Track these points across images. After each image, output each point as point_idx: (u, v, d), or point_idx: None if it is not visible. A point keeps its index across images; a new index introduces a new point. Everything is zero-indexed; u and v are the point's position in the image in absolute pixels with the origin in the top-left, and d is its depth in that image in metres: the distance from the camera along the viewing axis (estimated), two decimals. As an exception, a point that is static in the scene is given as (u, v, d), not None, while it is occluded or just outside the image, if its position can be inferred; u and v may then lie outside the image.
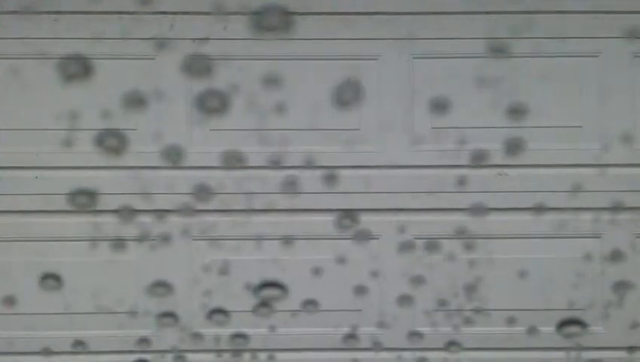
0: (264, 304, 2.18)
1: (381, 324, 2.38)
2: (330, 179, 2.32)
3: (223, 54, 2.33)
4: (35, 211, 2.32)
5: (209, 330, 2.34)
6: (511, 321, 2.35)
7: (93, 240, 2.32)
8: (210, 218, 2.34)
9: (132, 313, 2.34)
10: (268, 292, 2.17)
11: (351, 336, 2.36)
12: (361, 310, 2.37)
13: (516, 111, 2.30)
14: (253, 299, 2.30)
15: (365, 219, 2.34)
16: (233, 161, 2.31)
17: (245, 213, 2.33)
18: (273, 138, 2.31)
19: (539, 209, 2.32)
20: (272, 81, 2.31)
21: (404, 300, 2.35)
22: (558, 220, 2.35)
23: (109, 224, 2.32)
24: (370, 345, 2.38)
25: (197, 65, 2.28)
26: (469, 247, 2.35)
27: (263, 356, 2.36)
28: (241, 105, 2.31)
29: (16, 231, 2.32)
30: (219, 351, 2.33)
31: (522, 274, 2.35)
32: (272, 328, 2.34)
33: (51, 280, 2.26)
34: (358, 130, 2.37)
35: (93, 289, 2.31)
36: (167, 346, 2.36)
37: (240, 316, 2.31)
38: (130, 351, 2.33)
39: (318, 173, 2.32)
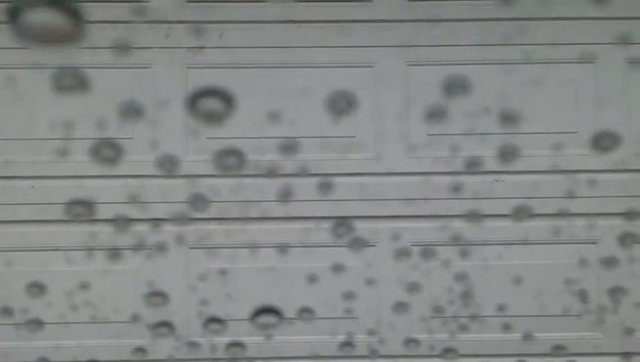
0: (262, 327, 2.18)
1: (377, 331, 2.39)
2: (326, 186, 2.32)
3: (219, 63, 2.34)
4: (31, 221, 2.32)
5: (205, 339, 2.34)
6: (506, 328, 2.36)
7: (89, 250, 2.32)
8: (206, 226, 2.34)
9: (128, 322, 2.34)
10: (264, 319, 2.17)
11: (347, 344, 2.36)
12: (357, 317, 2.37)
13: (511, 118, 2.31)
14: (250, 307, 2.31)
15: (361, 226, 2.34)
16: (229, 169, 2.32)
17: (241, 221, 2.33)
18: (269, 146, 2.31)
19: (534, 215, 2.32)
20: (268, 89, 2.32)
21: (400, 307, 2.36)
22: (553, 226, 2.35)
23: (105, 233, 2.32)
24: (366, 352, 2.38)
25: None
26: (464, 254, 2.36)
27: (259, 364, 2.36)
28: (238, 113, 2.31)
29: (12, 240, 2.32)
30: (215, 360, 2.33)
31: (517, 281, 2.35)
32: (269, 336, 2.34)
33: (47, 289, 2.26)
34: (354, 137, 2.38)
35: (89, 299, 2.30)
36: (163, 355, 2.36)
37: (236, 324, 2.31)
38: (127, 361, 2.33)
39: (314, 180, 2.32)
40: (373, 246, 2.38)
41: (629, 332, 2.39)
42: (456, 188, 2.33)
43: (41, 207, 2.30)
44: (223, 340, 2.33)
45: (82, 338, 2.32)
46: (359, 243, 2.35)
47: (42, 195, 2.30)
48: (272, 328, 2.11)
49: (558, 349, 2.34)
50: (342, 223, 2.32)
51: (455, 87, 2.27)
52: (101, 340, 2.33)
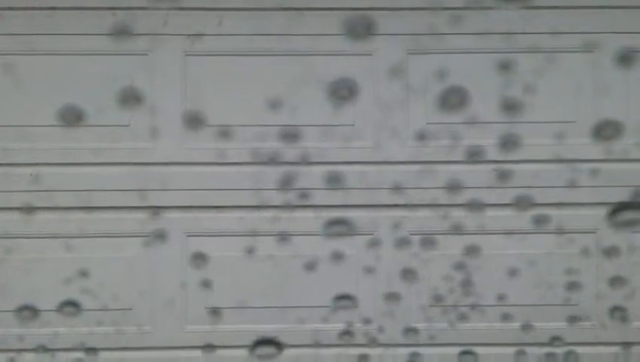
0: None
1: (376, 320, 2.38)
2: (326, 175, 2.32)
3: (218, 50, 2.33)
4: (29, 208, 2.31)
5: (204, 327, 2.34)
6: (506, 317, 2.35)
7: (88, 237, 2.31)
8: (206, 214, 2.34)
9: (127, 309, 2.33)
10: (263, 350, 2.16)
11: (346, 332, 2.36)
12: (356, 306, 2.37)
13: (511, 107, 2.30)
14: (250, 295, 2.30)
15: (360, 214, 2.34)
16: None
17: (241, 209, 2.33)
18: (269, 134, 2.30)
19: (534, 204, 2.32)
20: (267, 77, 2.31)
21: (400, 296, 2.35)
22: (553, 215, 2.35)
23: (104, 220, 2.32)
24: (365, 341, 2.38)
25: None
26: (464, 243, 2.35)
27: (258, 352, 2.36)
28: (237, 100, 2.31)
29: (11, 228, 2.31)
30: (213, 347, 2.32)
31: (517, 270, 2.34)
32: (268, 324, 2.35)
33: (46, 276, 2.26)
34: (353, 125, 2.37)
35: (88, 286, 2.30)
36: (161, 343, 2.35)
37: (234, 312, 2.31)
38: (125, 348, 2.33)
39: (313, 168, 2.32)
40: (373, 234, 2.37)
41: (628, 322, 2.39)
42: (457, 177, 2.32)
43: (39, 194, 2.29)
44: (221, 327, 2.33)
45: (81, 326, 2.31)
46: (359, 232, 2.34)
47: (41, 182, 2.29)
48: (270, 358, 2.12)
49: (557, 339, 2.34)
50: (341, 211, 2.32)
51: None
52: (100, 327, 2.31)
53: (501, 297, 2.36)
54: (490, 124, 2.30)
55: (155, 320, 2.35)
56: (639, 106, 2.38)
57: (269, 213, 2.33)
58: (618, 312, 2.39)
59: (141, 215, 2.32)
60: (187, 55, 2.34)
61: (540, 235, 2.37)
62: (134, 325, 2.33)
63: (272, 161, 2.31)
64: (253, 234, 2.32)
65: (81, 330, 2.31)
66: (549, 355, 2.34)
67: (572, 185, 2.32)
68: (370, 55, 2.37)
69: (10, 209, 2.30)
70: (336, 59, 2.34)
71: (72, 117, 2.27)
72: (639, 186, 2.33)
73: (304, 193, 2.32)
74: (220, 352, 2.31)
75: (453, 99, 2.30)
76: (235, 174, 2.32)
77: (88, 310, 2.28)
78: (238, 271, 2.33)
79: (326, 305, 2.33)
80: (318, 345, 2.35)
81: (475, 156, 2.33)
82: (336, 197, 2.34)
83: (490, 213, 2.35)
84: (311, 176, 2.32)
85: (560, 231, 2.36)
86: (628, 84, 2.38)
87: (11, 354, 2.30)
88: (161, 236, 2.32)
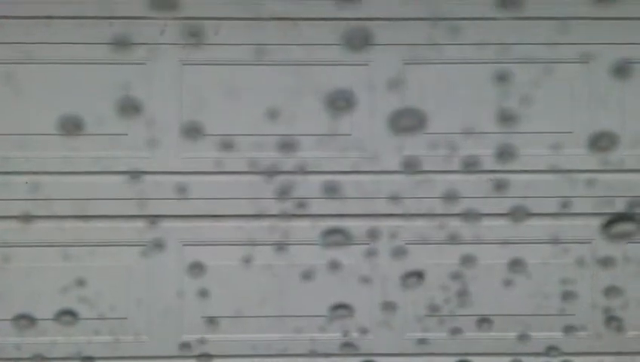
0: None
1: (372, 330, 2.38)
2: (323, 184, 2.32)
3: (215, 60, 2.34)
4: (28, 216, 2.31)
5: (199, 336, 2.34)
6: (501, 327, 2.36)
7: (86, 246, 2.32)
8: (203, 223, 2.34)
9: (123, 319, 2.34)
10: None
11: (342, 342, 2.36)
12: (352, 316, 2.37)
13: (508, 118, 2.30)
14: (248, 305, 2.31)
15: (357, 224, 2.34)
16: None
17: (238, 218, 2.33)
18: (266, 144, 2.31)
19: (530, 214, 2.32)
20: (263, 87, 2.32)
21: (396, 306, 2.36)
22: (548, 226, 2.35)
23: (102, 229, 2.32)
24: (361, 350, 2.38)
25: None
26: (459, 253, 2.35)
27: (254, 362, 2.36)
28: (234, 110, 2.32)
29: (9, 236, 2.31)
30: (209, 357, 2.33)
31: (513, 280, 2.35)
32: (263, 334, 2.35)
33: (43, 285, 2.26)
34: (350, 135, 2.37)
35: (85, 295, 2.30)
36: (157, 352, 2.36)
37: (231, 322, 2.32)
38: (122, 357, 2.33)
39: (310, 178, 2.32)
40: (369, 244, 2.37)
41: (623, 331, 2.40)
42: (453, 188, 2.33)
43: (35, 203, 2.30)
44: (217, 337, 2.33)
45: (78, 335, 2.31)
46: (355, 241, 2.34)
47: (37, 191, 2.30)
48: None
49: (552, 349, 2.35)
50: (338, 220, 2.32)
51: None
52: (97, 336, 2.32)
53: (496, 307, 2.36)
54: (487, 134, 2.31)
55: (151, 330, 2.35)
56: (635, 117, 2.39)
57: (266, 223, 2.34)
58: (614, 322, 2.39)
59: (139, 224, 2.32)
60: (184, 64, 2.35)
61: (535, 245, 2.37)
62: (131, 334, 2.34)
63: (270, 170, 2.31)
64: (251, 243, 2.33)
65: (79, 339, 2.31)
66: (544, 365, 2.35)
67: (567, 195, 2.32)
68: (367, 65, 2.37)
69: (9, 217, 2.31)
70: (334, 70, 2.34)
71: (70, 126, 2.27)
72: (635, 197, 2.34)
73: (301, 202, 2.33)
74: (216, 362, 2.33)
75: (448, 109, 2.32)
76: (232, 183, 2.32)
77: (85, 319, 2.29)
78: (235, 280, 2.34)
79: (323, 315, 2.33)
80: (314, 354, 2.35)
81: (471, 166, 2.33)
82: (333, 207, 2.34)
83: (486, 222, 2.35)
84: (308, 186, 2.32)
85: (555, 241, 2.36)
86: (624, 95, 2.39)
87: (9, 363, 2.31)
88: (158, 245, 2.32)
